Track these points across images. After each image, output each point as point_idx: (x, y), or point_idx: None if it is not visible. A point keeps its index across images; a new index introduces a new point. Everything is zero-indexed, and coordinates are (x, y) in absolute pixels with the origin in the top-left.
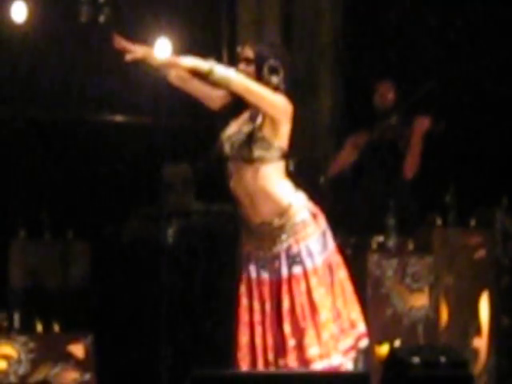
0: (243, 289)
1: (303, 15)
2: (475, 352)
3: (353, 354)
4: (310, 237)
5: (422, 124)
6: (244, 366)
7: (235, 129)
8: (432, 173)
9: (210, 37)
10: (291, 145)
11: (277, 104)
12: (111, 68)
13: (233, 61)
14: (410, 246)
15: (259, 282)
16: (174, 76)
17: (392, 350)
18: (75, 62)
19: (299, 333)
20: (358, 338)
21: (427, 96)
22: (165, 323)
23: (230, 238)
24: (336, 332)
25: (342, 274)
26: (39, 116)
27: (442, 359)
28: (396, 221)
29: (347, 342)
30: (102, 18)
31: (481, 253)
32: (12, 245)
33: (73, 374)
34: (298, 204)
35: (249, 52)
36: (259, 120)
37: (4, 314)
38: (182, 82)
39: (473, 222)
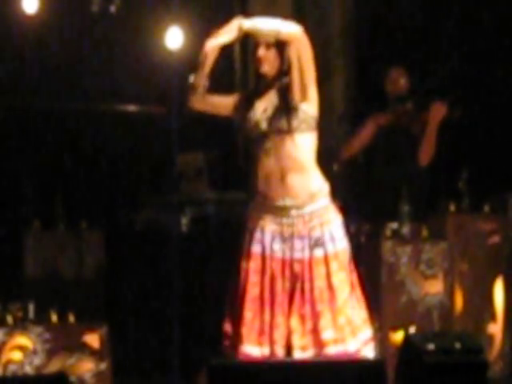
0: (253, 264)
1: (315, 1)
2: (490, 338)
3: (372, 345)
4: (333, 222)
5: (439, 110)
6: (248, 342)
7: (264, 106)
8: (445, 159)
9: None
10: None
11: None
12: (122, 58)
13: (245, 48)
14: (424, 233)
15: (272, 259)
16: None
17: (407, 337)
18: (86, 53)
19: (315, 315)
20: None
21: (442, 82)
22: (178, 311)
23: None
24: (354, 318)
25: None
26: (50, 107)
27: (457, 345)
28: (409, 207)
29: (369, 332)
30: (112, 9)
31: (495, 238)
32: (26, 235)
33: (88, 364)
34: (326, 190)
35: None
36: (286, 92)
37: (19, 304)
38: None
39: (486, 208)
